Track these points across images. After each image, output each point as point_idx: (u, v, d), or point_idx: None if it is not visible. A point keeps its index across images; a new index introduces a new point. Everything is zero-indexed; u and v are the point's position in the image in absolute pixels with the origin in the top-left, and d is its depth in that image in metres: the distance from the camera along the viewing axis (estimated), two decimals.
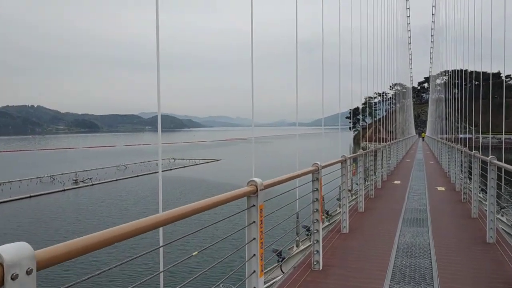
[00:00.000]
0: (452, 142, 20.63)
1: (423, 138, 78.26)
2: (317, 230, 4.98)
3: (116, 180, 39.70)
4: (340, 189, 7.26)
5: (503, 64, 16.28)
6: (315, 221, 4.96)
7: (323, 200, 7.85)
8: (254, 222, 2.96)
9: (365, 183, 11.26)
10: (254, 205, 2.96)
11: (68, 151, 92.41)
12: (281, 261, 5.79)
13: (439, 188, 13.00)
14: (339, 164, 6.82)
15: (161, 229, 4.40)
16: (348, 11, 16.43)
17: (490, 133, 27.60)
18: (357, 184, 9.73)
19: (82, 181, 38.45)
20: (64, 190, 33.95)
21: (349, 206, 8.80)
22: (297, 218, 7.09)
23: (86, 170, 46.30)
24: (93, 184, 37.16)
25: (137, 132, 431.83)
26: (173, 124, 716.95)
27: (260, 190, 2.95)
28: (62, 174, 43.38)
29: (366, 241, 6.41)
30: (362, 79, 20.75)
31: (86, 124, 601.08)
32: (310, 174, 4.93)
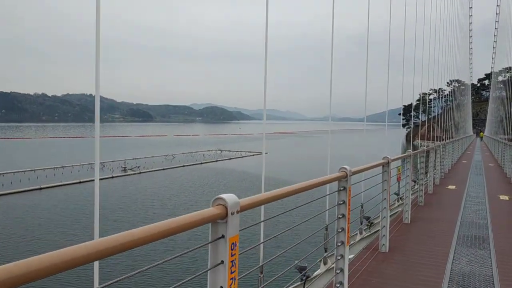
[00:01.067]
0: None
1: (481, 138, 74.27)
2: (342, 256, 3.78)
3: (163, 169, 40.24)
4: (381, 197, 5.88)
5: None
6: (340, 244, 3.79)
7: (362, 208, 7.27)
8: (222, 262, 1.92)
9: (414, 187, 10.15)
10: (222, 236, 1.91)
11: (121, 139, 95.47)
12: (305, 279, 4.85)
13: (501, 197, 11.09)
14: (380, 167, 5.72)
15: (96, 263, 3.30)
16: (407, 3, 15.24)
17: None
18: (404, 187, 8.37)
19: (131, 169, 39.29)
20: (112, 177, 34.76)
21: (393, 216, 7.82)
22: (326, 230, 5.46)
23: (135, 159, 47.37)
24: (140, 173, 37.86)
25: (188, 123, 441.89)
26: (223, 116, 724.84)
27: (232, 213, 1.90)
28: (113, 161, 44.53)
29: (408, 266, 5.21)
30: (416, 75, 19.37)
31: (140, 113, 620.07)
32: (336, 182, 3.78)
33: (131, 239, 1.44)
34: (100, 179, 29.44)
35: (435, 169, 12.85)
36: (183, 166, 43.10)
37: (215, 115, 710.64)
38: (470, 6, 60.39)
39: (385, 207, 5.75)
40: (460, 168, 19.59)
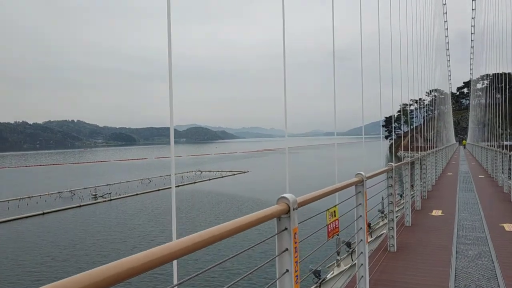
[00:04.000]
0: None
1: (464, 145, 74.05)
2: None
3: (136, 194, 38.11)
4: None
5: None
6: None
7: (337, 235, 6.64)
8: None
9: (383, 218, 8.20)
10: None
11: (99, 165, 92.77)
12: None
13: (507, 227, 7.97)
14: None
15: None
16: (384, 16, 15.02)
17: None
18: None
19: (101, 196, 37.10)
20: (80, 206, 32.55)
21: (346, 278, 5.67)
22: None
23: (109, 184, 45.25)
24: (111, 200, 35.67)
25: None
26: (206, 136, 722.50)
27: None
28: (85, 188, 42.35)
29: None
30: (397, 86, 18.46)
31: (123, 137, 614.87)
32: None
33: (207, 237, 1.72)
34: (65, 208, 27.29)
35: (413, 190, 10.30)
36: (158, 190, 41.04)
37: (199, 135, 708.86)
38: (445, 20, 60.98)
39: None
40: (446, 183, 16.71)
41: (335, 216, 3.00)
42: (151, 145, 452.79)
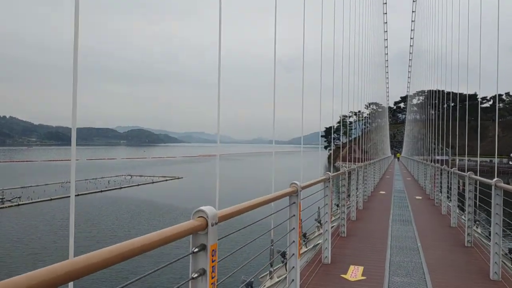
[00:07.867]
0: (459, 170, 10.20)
1: (398, 158, 76.05)
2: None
3: (50, 199, 34.39)
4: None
5: (479, 87, 13.88)
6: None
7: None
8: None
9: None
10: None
11: (24, 165, 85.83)
12: None
13: None
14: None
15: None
16: (328, 30, 14.43)
17: (466, 155, 22.97)
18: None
19: (9, 200, 33.09)
20: None
21: None
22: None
23: (24, 187, 41.00)
24: (19, 204, 31.82)
25: (112, 146, 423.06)
26: (148, 139, 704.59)
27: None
28: None
29: None
30: (338, 98, 17.93)
31: (60, 136, 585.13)
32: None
33: (110, 256, 1.40)
34: None
35: (349, 200, 8.35)
36: (77, 195, 37.40)
37: (141, 138, 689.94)
38: (386, 38, 62.72)
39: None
40: (377, 207, 12.90)
41: None
42: (90, 146, 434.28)
